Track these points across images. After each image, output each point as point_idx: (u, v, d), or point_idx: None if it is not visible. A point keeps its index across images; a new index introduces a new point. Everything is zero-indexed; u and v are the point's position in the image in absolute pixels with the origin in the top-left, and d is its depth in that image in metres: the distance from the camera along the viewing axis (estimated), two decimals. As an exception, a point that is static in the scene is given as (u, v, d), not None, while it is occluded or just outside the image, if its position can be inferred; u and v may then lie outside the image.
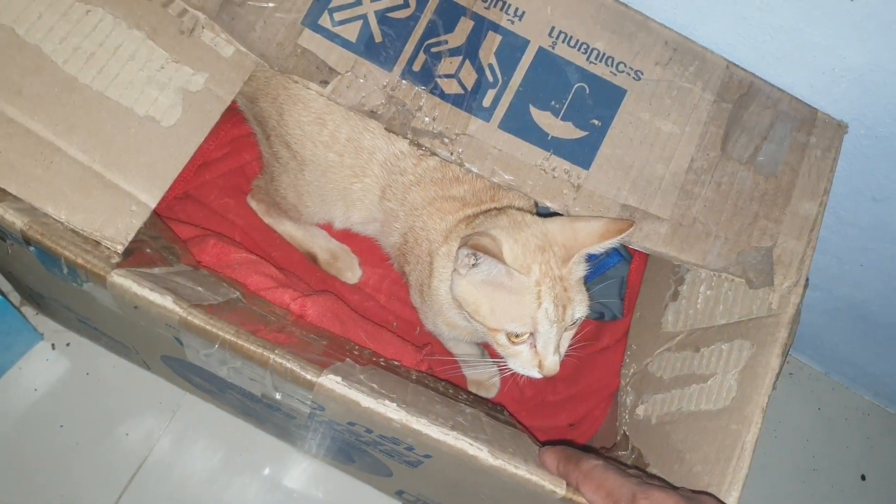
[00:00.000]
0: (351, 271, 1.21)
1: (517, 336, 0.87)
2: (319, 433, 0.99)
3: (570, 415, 1.20)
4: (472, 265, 0.86)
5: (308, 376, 0.74)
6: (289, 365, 0.74)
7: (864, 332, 1.44)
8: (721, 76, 0.95)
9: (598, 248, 0.87)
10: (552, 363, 0.88)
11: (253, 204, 1.18)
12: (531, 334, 0.87)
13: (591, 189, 0.90)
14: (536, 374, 0.90)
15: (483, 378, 1.21)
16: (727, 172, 0.93)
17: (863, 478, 1.55)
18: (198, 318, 0.74)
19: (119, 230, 0.81)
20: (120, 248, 0.80)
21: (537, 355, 0.88)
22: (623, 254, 1.24)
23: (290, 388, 0.79)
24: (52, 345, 1.25)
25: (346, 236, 1.20)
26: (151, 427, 1.23)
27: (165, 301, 0.75)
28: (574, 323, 0.90)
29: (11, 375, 1.22)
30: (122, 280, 0.74)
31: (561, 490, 0.77)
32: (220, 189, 1.19)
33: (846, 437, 1.60)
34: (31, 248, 0.78)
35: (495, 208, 0.95)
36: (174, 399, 1.24)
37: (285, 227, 1.18)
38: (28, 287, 1.10)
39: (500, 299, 0.87)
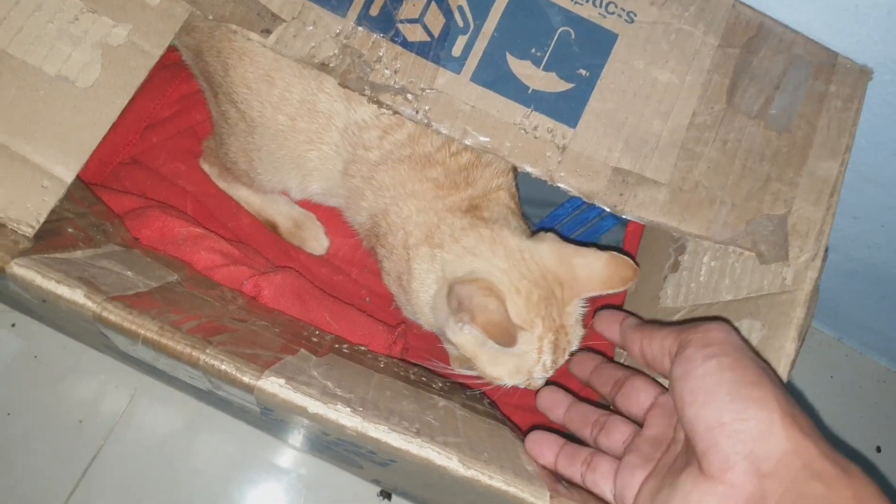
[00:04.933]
0: (316, 241, 1.09)
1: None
2: (281, 427, 0.89)
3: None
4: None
5: (245, 379, 0.63)
6: (223, 367, 0.63)
7: (882, 296, 1.32)
8: (726, 17, 0.82)
9: (599, 294, 0.83)
10: (540, 383, 0.86)
11: (205, 167, 1.06)
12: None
13: (577, 150, 0.79)
14: (522, 386, 0.86)
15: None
16: (734, 128, 0.81)
17: (878, 449, 1.45)
18: (113, 314, 0.63)
19: (28, 210, 0.70)
20: (29, 232, 0.69)
21: (528, 381, 0.85)
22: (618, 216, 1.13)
23: (229, 389, 0.68)
24: (-4, 326, 1.15)
25: (311, 203, 1.09)
26: (107, 413, 1.14)
27: (75, 295, 0.63)
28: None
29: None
30: (24, 271, 0.63)
31: (544, 501, 0.67)
32: (170, 152, 1.07)
33: (860, 405, 1.50)
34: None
35: (474, 207, 0.87)
36: (130, 382, 1.15)
37: (241, 193, 1.07)
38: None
39: (499, 354, 0.81)
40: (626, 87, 0.80)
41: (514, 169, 0.94)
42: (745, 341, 0.63)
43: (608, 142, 0.79)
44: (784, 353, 0.75)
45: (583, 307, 0.86)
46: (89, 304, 0.63)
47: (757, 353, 0.63)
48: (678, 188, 0.79)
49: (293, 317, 0.92)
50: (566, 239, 0.87)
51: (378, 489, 1.16)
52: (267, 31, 0.76)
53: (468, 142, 0.78)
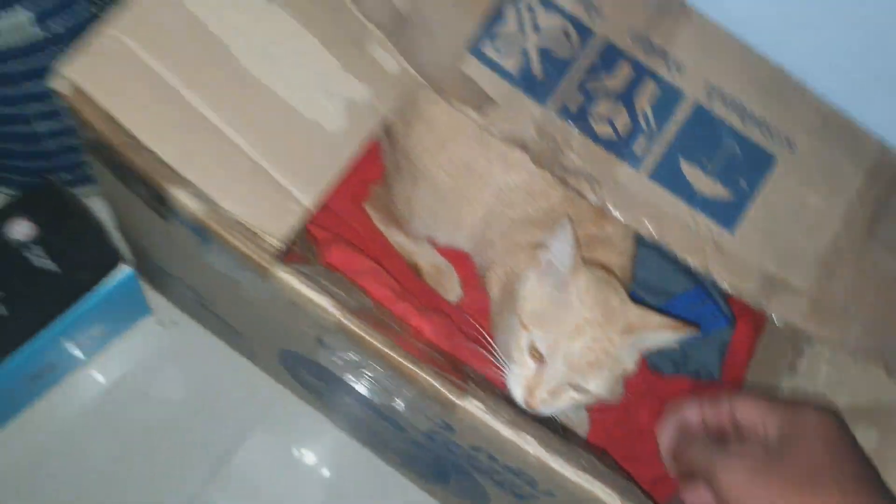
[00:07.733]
0: (452, 289, 1.22)
1: (532, 351, 0.89)
2: (424, 449, 0.99)
3: (657, 468, 1.19)
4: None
5: (452, 398, 0.75)
6: (436, 383, 0.75)
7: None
8: (873, 157, 0.95)
9: (660, 337, 0.91)
10: (539, 399, 0.87)
11: (369, 209, 1.20)
12: (542, 360, 0.88)
13: (732, 251, 0.90)
14: (519, 397, 0.90)
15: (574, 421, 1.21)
16: (872, 259, 0.92)
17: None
18: (353, 324, 0.76)
19: (280, 227, 0.82)
20: (278, 245, 0.81)
21: (535, 379, 0.89)
22: (729, 318, 1.23)
23: (423, 405, 0.79)
24: (160, 321, 1.27)
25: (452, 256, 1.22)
26: (243, 425, 1.27)
27: (324, 302, 0.76)
28: (586, 394, 0.90)
29: (115, 346, 1.26)
30: (286, 276, 0.76)
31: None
32: (342, 195, 1.21)
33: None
34: (192, 231, 0.80)
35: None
36: (272, 401, 1.27)
37: (397, 238, 1.20)
38: (154, 263, 1.12)
39: (548, 309, 0.90)
40: (779, 204, 0.92)
41: (633, 257, 1.06)
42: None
43: (759, 249, 0.91)
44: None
45: (634, 361, 0.93)
46: (335, 312, 0.76)
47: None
48: (817, 298, 0.90)
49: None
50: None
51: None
52: (481, 110, 0.90)
53: (640, 230, 0.90)
